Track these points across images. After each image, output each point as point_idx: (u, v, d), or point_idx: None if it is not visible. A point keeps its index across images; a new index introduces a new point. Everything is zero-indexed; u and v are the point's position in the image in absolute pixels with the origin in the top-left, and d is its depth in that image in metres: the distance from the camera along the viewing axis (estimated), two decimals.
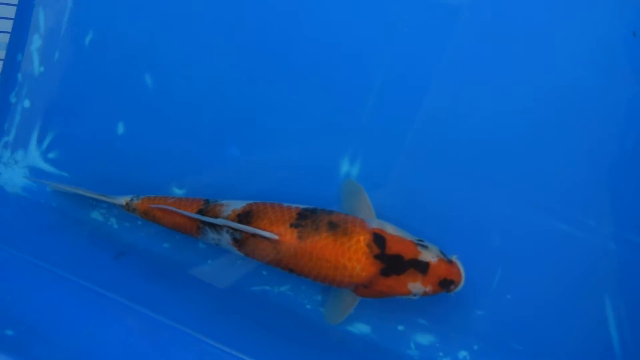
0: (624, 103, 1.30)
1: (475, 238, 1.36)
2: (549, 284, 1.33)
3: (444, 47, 1.37)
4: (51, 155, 1.55)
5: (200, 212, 1.33)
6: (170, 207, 1.34)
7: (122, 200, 1.42)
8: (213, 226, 1.30)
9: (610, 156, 1.30)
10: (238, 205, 1.31)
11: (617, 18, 1.31)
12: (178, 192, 1.48)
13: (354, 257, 1.21)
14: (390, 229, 1.25)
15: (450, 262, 1.23)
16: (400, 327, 1.39)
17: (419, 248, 1.22)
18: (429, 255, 1.22)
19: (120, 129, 1.52)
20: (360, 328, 1.40)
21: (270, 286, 1.44)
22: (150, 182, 1.50)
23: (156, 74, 1.50)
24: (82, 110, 1.54)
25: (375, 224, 1.26)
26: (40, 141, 1.56)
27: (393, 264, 1.21)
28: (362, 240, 1.21)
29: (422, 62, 1.38)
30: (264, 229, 1.25)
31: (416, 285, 1.22)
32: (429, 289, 1.22)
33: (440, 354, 1.38)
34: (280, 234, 1.24)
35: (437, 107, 1.37)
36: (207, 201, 1.35)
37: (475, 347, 1.37)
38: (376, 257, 1.21)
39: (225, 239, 1.30)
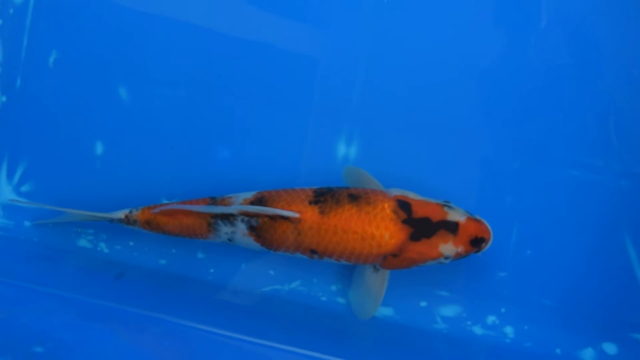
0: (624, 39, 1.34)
1: (486, 198, 1.36)
2: (567, 232, 1.33)
3: (431, 24, 1.38)
4: (25, 188, 1.46)
5: None
6: (178, 205, 1.27)
7: (121, 214, 1.33)
8: (226, 217, 1.23)
9: (608, 92, 1.32)
10: (248, 195, 1.26)
11: None
12: None
13: (382, 225, 1.17)
14: (412, 195, 1.22)
15: (478, 220, 1.21)
16: (423, 304, 1.36)
17: (446, 209, 1.20)
18: (457, 215, 1.19)
19: (99, 148, 1.44)
20: (383, 311, 1.36)
21: (281, 284, 1.39)
22: (139, 198, 1.42)
23: (131, 85, 1.44)
24: (55, 136, 1.46)
25: (395, 191, 1.23)
26: (10, 175, 1.47)
27: (422, 227, 1.18)
28: (387, 207, 1.18)
29: (409, 35, 1.38)
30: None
31: (448, 247, 1.19)
32: (460, 249, 1.19)
33: (469, 322, 1.35)
34: (300, 212, 1.19)
35: (433, 74, 1.37)
36: (213, 198, 1.28)
37: (503, 310, 1.35)
38: (404, 222, 1.17)
39: (241, 229, 1.23)
